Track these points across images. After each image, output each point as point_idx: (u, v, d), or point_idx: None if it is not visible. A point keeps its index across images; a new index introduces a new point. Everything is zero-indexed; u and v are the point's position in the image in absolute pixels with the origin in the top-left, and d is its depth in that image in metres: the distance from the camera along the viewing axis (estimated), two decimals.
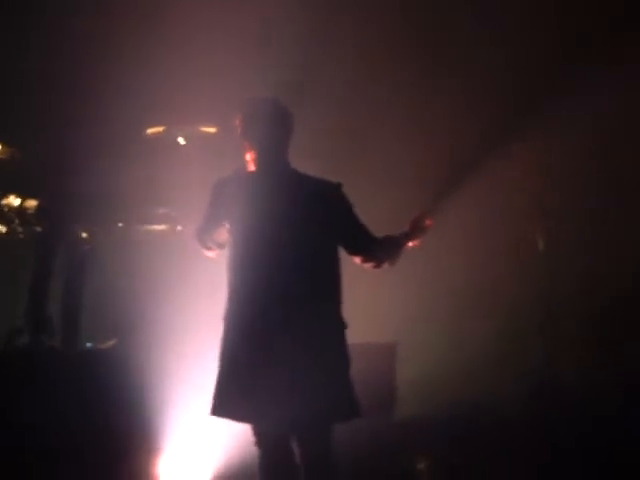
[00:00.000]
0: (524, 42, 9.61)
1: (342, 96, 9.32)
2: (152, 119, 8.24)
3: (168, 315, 7.12)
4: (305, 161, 5.03)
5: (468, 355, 8.87)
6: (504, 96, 9.67)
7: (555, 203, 9.71)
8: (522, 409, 8.13)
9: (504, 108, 9.61)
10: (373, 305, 9.06)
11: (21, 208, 7.79)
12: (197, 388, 5.85)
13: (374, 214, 5.19)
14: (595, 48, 9.45)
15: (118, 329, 7.61)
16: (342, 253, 4.97)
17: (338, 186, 4.96)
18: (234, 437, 5.73)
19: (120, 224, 8.13)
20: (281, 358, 4.67)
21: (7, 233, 7.89)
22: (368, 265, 5.04)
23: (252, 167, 4.96)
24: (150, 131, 8.26)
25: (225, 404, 4.74)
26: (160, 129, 8.27)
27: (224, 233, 4.88)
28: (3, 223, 7.86)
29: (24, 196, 7.76)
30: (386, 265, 5.08)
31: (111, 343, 7.58)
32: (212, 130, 8.32)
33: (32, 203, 7.65)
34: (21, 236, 7.89)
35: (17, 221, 7.81)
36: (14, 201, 7.79)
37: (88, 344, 7.56)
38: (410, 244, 5.08)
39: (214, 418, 4.82)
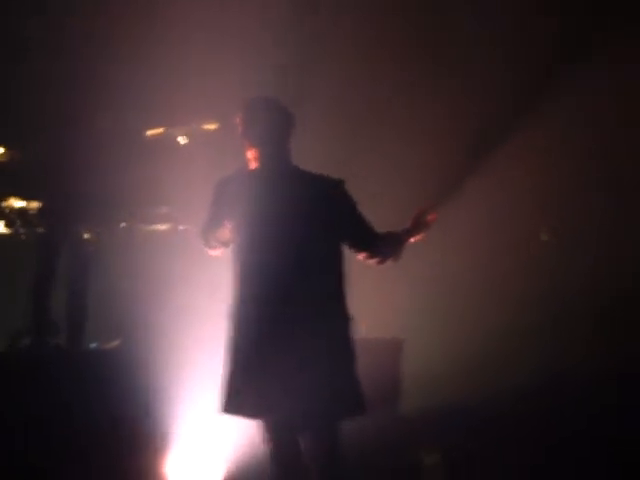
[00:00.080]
0: (524, 42, 9.64)
1: (345, 95, 9.33)
2: (153, 117, 8.25)
3: (171, 314, 7.12)
4: (307, 160, 5.02)
5: (474, 350, 8.88)
6: (504, 96, 9.69)
7: (559, 200, 9.75)
8: (528, 404, 8.12)
9: (504, 108, 9.63)
10: (380, 301, 9.07)
11: (23, 209, 7.81)
12: (201, 387, 5.86)
13: (377, 212, 5.17)
14: (595, 48, 9.46)
15: (122, 329, 7.62)
16: (346, 250, 4.96)
17: (340, 183, 4.95)
18: (242, 435, 5.72)
19: (123, 224, 8.15)
20: (288, 355, 4.66)
21: (9, 234, 7.92)
22: (372, 261, 5.03)
23: (253, 165, 4.95)
24: (150, 132, 8.28)
25: (234, 401, 4.73)
26: (160, 130, 8.30)
27: (227, 232, 4.87)
28: (5, 224, 7.88)
29: (25, 197, 7.78)
30: (389, 261, 5.07)
31: (115, 343, 7.59)
32: (213, 127, 8.34)
33: (34, 204, 7.67)
34: (23, 237, 7.91)
35: (19, 222, 7.84)
36: (15, 202, 7.82)
37: (92, 344, 7.57)
38: (413, 239, 5.07)
39: (223, 416, 4.81)
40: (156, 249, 8.08)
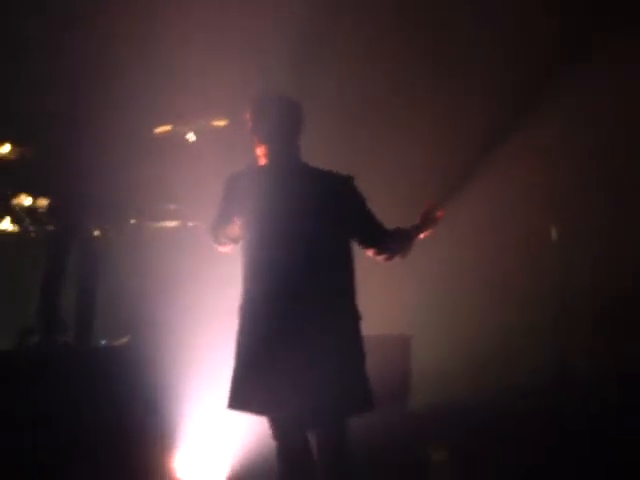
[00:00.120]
0: (524, 42, 9.67)
1: (345, 94, 9.35)
2: (162, 114, 8.26)
3: (180, 311, 7.12)
4: (316, 156, 5.03)
5: (482, 346, 8.90)
6: (504, 96, 9.72)
7: (560, 200, 9.77)
8: (535, 400, 8.15)
9: (504, 107, 9.66)
10: (387, 298, 9.08)
11: (32, 207, 7.82)
12: (210, 384, 5.87)
13: (380, 211, 5.18)
14: (595, 48, 9.48)
15: (131, 326, 7.62)
16: (355, 246, 4.98)
17: (350, 179, 4.96)
18: (250, 432, 5.74)
19: (132, 221, 8.15)
20: (297, 351, 4.67)
21: (18, 232, 7.92)
22: (380, 257, 5.04)
23: (263, 162, 4.96)
24: (159, 130, 8.29)
25: (242, 397, 4.74)
26: (169, 127, 8.30)
27: (237, 228, 4.87)
28: (14, 222, 7.88)
29: (35, 195, 7.79)
30: (398, 258, 5.08)
31: (124, 340, 7.59)
32: (222, 123, 8.34)
33: (43, 202, 7.67)
34: (32, 235, 7.92)
35: (28, 220, 7.84)
36: (25, 200, 7.82)
37: (101, 342, 7.57)
38: (421, 236, 5.08)
39: (231, 412, 4.82)
40: (165, 246, 8.07)
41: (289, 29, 8.73)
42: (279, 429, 4.84)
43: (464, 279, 9.68)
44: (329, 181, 4.93)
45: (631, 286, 9.63)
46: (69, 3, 7.72)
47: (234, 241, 4.94)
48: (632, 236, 9.67)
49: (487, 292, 9.57)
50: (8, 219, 7.92)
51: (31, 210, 7.80)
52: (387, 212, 5.14)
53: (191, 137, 8.35)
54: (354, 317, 4.84)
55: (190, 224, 8.27)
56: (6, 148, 7.74)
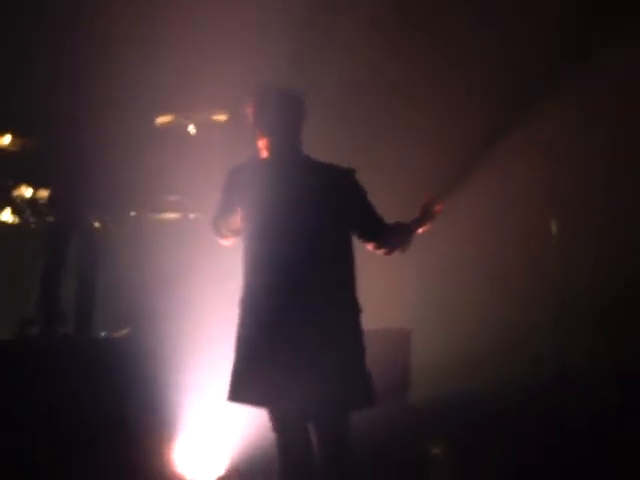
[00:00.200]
0: (524, 42, 9.67)
1: (346, 94, 9.35)
2: (163, 107, 8.27)
3: (180, 303, 7.13)
4: (316, 155, 5.03)
5: (481, 341, 8.90)
6: (504, 96, 9.73)
7: (560, 200, 9.77)
8: (534, 396, 8.16)
9: (504, 107, 9.67)
10: (387, 292, 9.08)
11: (32, 198, 7.82)
12: (210, 376, 5.87)
13: (386, 205, 5.19)
14: (595, 48, 9.49)
15: (131, 318, 7.62)
16: (355, 240, 4.98)
17: (351, 172, 4.96)
18: (250, 424, 5.74)
19: (132, 213, 8.16)
20: (298, 343, 4.67)
21: (19, 224, 7.93)
22: (380, 251, 5.04)
23: (264, 155, 4.96)
24: (160, 120, 8.30)
25: (243, 389, 4.74)
26: (170, 118, 8.31)
27: (238, 220, 4.87)
28: (15, 214, 7.89)
29: (36, 187, 7.79)
30: (397, 252, 5.09)
31: (124, 332, 7.59)
32: (223, 118, 8.35)
33: (44, 193, 7.68)
34: (33, 226, 7.92)
35: (29, 211, 7.84)
36: (26, 192, 7.83)
37: (101, 333, 7.57)
38: (421, 230, 5.09)
39: (231, 404, 4.82)
40: (166, 238, 8.07)
41: (290, 25, 8.74)
42: (279, 421, 4.84)
43: (464, 274, 9.69)
44: (330, 174, 4.93)
45: (631, 286, 9.62)
46: (69, 3, 7.71)
47: (235, 234, 4.94)
48: (632, 236, 9.66)
49: (487, 287, 9.57)
50: (9, 210, 7.94)
51: (32, 201, 7.81)
52: (388, 208, 5.14)
53: (192, 130, 8.36)
54: (355, 310, 4.84)
55: (191, 216, 8.27)
56: (7, 139, 7.76)
